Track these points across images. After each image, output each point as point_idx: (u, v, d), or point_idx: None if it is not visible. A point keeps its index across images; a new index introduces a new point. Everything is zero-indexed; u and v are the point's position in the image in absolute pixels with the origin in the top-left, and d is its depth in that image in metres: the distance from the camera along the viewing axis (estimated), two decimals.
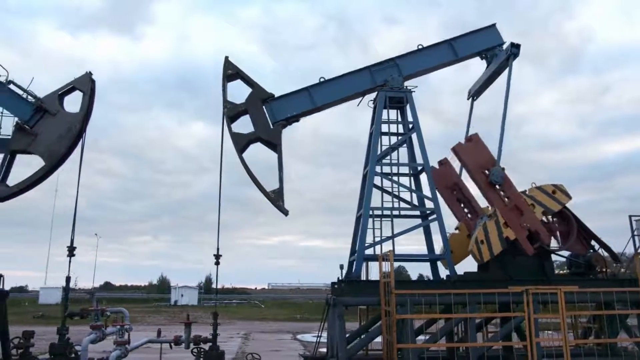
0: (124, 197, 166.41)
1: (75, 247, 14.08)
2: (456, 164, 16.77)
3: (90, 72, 15.16)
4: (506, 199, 15.06)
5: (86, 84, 14.99)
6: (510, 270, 14.73)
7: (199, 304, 72.96)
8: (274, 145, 15.12)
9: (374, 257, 14.87)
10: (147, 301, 76.52)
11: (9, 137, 14.73)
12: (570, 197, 15.30)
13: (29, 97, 14.74)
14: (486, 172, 15.09)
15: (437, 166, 16.78)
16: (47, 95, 14.83)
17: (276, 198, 14.53)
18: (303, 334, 31.99)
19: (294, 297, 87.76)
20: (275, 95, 15.57)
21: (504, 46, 16.77)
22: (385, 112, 15.99)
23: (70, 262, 13.94)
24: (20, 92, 14.78)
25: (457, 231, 16.69)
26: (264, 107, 15.37)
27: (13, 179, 14.59)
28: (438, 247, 16.09)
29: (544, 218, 15.28)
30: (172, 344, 14.81)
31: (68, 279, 14.44)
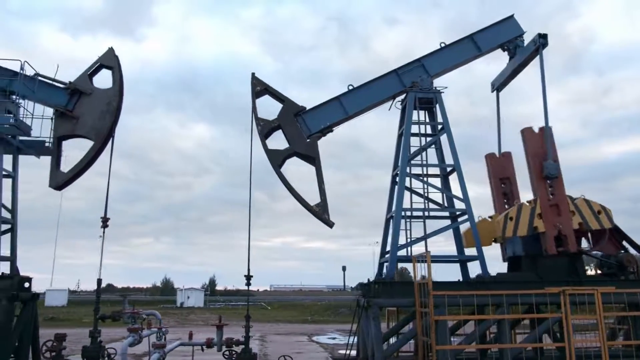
0: (125, 199, 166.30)
1: (109, 218, 14.21)
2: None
3: (112, 48, 15.15)
4: (551, 195, 15.06)
5: (112, 59, 15.02)
6: (543, 271, 14.69)
7: (205, 306, 72.88)
8: (312, 158, 14.87)
9: (405, 259, 14.84)
10: (152, 303, 76.24)
11: (38, 137, 14.73)
12: (612, 224, 15.18)
13: (59, 84, 14.78)
14: (542, 162, 15.16)
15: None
16: (77, 78, 14.90)
17: (321, 212, 14.43)
18: (317, 336, 32.00)
19: (298, 299, 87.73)
20: (307, 108, 15.35)
21: (527, 37, 16.79)
22: (414, 113, 15.97)
23: (104, 233, 13.96)
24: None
25: (489, 219, 16.69)
26: (296, 120, 15.19)
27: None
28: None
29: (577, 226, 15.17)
30: (204, 346, 14.77)
31: (99, 282, 14.37)
